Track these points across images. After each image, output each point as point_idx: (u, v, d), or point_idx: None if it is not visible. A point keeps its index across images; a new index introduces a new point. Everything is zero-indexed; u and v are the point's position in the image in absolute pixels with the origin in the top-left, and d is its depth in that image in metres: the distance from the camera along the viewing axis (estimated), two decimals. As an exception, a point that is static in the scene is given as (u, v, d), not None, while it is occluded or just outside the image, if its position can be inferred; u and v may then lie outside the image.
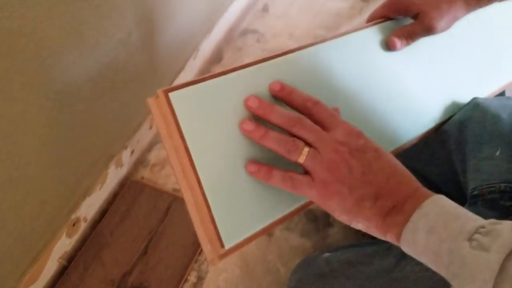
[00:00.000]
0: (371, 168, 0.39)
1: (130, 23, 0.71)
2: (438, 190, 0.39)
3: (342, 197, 0.38)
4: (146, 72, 0.83)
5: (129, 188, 0.89)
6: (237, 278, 0.82)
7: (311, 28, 1.27)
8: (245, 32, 1.25)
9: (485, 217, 0.36)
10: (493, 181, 0.51)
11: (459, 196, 0.56)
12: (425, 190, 0.39)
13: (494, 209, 0.48)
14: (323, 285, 0.65)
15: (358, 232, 0.86)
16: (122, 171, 0.88)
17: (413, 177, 0.40)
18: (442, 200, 0.37)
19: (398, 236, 0.37)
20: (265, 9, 1.31)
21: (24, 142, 0.57)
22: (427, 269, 0.44)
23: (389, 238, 0.38)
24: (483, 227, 0.33)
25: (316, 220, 0.89)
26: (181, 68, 0.97)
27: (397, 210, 0.38)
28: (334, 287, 0.62)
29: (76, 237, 0.80)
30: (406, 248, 0.37)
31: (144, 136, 0.92)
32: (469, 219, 0.35)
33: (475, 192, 0.51)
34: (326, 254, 0.70)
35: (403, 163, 0.41)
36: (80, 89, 0.64)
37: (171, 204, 0.88)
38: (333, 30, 1.25)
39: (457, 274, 0.33)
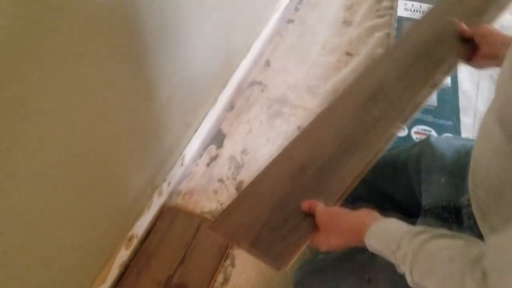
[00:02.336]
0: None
1: (170, 89, 0.98)
2: (401, 207, 0.65)
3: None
4: (177, 122, 1.10)
5: (167, 212, 1.15)
6: (253, 279, 1.07)
7: (305, 79, 1.54)
8: (251, 84, 1.53)
9: (432, 224, 0.62)
10: (438, 200, 0.74)
11: (418, 210, 0.79)
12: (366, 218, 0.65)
13: (438, 219, 0.73)
14: (318, 276, 0.89)
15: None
16: (162, 199, 1.14)
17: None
18: (377, 226, 0.62)
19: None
20: (267, 64, 1.60)
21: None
22: (387, 270, 0.70)
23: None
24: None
25: (313, 232, 1.14)
26: (204, 116, 1.25)
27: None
28: (327, 277, 0.86)
29: (131, 249, 1.05)
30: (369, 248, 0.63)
31: (177, 171, 1.18)
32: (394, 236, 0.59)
33: (426, 207, 0.75)
34: (321, 256, 0.95)
35: (376, 187, 0.66)
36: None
37: (201, 224, 1.13)
38: (323, 81, 1.53)
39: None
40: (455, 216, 0.70)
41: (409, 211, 0.86)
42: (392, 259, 0.59)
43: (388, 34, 1.64)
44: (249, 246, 0.78)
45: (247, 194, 0.88)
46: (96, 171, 0.80)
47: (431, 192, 0.77)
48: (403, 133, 1.35)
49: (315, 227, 0.74)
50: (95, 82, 0.70)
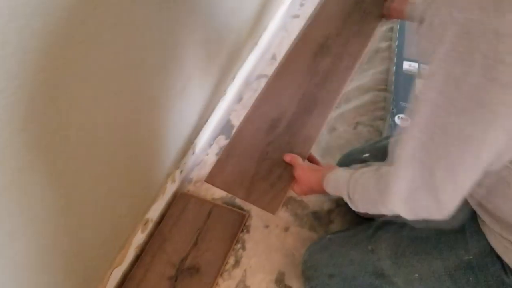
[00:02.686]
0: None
1: (184, 78, 1.03)
2: None
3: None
4: (189, 111, 1.15)
5: (179, 198, 1.20)
6: (263, 261, 1.11)
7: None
8: (259, 77, 1.57)
9: None
10: None
11: None
12: (326, 171, 0.84)
13: None
14: (325, 253, 0.94)
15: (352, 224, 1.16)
16: (175, 186, 1.19)
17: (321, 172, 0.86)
18: (330, 175, 0.81)
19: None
20: (273, 58, 1.65)
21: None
22: (390, 236, 0.76)
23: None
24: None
25: (320, 218, 1.19)
26: (214, 107, 1.30)
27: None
28: (333, 253, 0.91)
29: (146, 233, 1.10)
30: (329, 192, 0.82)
31: (188, 159, 1.23)
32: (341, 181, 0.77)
33: None
34: (329, 235, 1.00)
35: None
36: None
37: (212, 210, 1.18)
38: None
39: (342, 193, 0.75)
40: None
41: None
42: (344, 197, 0.76)
43: (392, 28, 1.69)
44: (246, 196, 0.97)
45: (232, 149, 1.05)
46: (119, 155, 0.84)
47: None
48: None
49: (293, 176, 0.95)
50: (132, 67, 0.75)
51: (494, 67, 0.43)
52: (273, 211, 0.93)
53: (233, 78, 1.39)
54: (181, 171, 1.20)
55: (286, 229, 1.17)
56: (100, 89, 0.71)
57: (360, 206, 0.73)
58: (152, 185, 1.07)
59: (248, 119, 1.10)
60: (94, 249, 0.89)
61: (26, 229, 0.66)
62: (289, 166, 0.98)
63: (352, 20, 1.25)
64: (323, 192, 0.85)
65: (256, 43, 1.49)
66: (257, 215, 1.20)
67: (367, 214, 0.90)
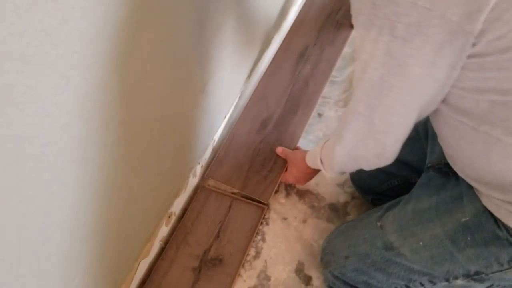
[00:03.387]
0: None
1: (207, 76, 1.07)
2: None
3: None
4: (211, 107, 1.19)
5: (200, 192, 1.24)
6: (283, 252, 1.15)
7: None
8: (272, 74, 1.61)
9: (434, 177, 0.76)
10: (441, 157, 0.87)
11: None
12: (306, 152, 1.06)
13: (440, 173, 0.85)
14: (340, 237, 0.99)
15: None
16: (196, 180, 1.23)
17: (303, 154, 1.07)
18: (308, 153, 1.04)
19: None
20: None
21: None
22: (397, 212, 0.82)
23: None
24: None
25: (337, 210, 1.23)
26: (232, 103, 1.33)
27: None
28: (348, 233, 0.96)
29: (170, 226, 1.14)
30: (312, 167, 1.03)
31: (208, 154, 1.26)
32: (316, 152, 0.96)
33: (429, 165, 0.89)
34: (345, 224, 1.04)
35: (399, 160, 0.80)
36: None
37: (232, 203, 1.21)
38: (340, 71, 1.61)
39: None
40: (454, 170, 0.81)
41: (421, 171, 0.96)
42: (319, 166, 0.94)
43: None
44: (242, 187, 1.18)
45: (229, 147, 1.25)
46: (151, 150, 0.88)
47: (435, 152, 0.89)
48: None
49: (283, 167, 1.18)
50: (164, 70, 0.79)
51: (396, 26, 0.56)
52: (266, 199, 1.16)
53: (249, 75, 1.42)
54: (201, 166, 1.24)
55: (304, 221, 1.21)
56: (137, 88, 0.75)
57: (328, 169, 0.91)
58: (176, 179, 1.11)
59: (241, 120, 1.30)
60: (126, 240, 0.92)
61: (72, 221, 0.70)
62: (279, 160, 1.20)
63: (326, 31, 1.46)
64: (310, 170, 1.05)
65: (270, 42, 1.53)
66: (275, 208, 1.24)
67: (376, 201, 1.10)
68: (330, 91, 1.54)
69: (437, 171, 0.85)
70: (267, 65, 1.39)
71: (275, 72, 1.38)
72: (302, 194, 1.26)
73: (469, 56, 0.57)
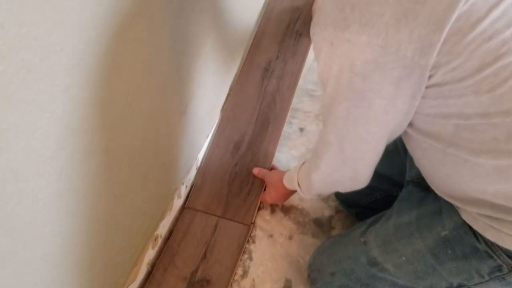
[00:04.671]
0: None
1: (188, 97, 1.07)
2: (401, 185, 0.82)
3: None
4: (193, 128, 1.19)
5: (186, 213, 1.23)
6: (270, 269, 1.16)
7: (303, 84, 1.64)
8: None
9: (414, 192, 0.78)
10: (419, 173, 0.88)
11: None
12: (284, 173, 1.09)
13: (419, 187, 0.88)
14: (326, 253, 1.00)
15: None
16: (180, 201, 1.23)
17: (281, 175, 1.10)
18: (285, 175, 1.07)
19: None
20: (266, 71, 1.70)
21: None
22: (379, 227, 0.84)
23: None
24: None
25: (322, 225, 1.24)
26: (213, 124, 1.34)
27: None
28: (333, 249, 0.98)
29: (156, 248, 1.13)
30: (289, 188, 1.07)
31: (192, 174, 1.26)
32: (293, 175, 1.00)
33: (409, 179, 0.92)
34: (330, 239, 1.05)
35: (380, 174, 0.85)
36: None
37: (218, 223, 1.21)
38: (319, 85, 1.63)
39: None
40: None
41: (402, 185, 0.98)
42: (297, 188, 0.97)
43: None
44: (223, 213, 1.18)
45: (205, 174, 1.25)
46: (135, 175, 0.88)
47: (414, 166, 0.92)
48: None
49: (261, 188, 1.20)
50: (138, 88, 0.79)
51: (354, 63, 0.58)
52: (248, 222, 1.16)
53: (229, 93, 1.43)
54: (186, 186, 1.24)
55: (290, 238, 1.22)
56: (119, 115, 0.75)
57: (306, 192, 0.95)
58: (161, 201, 1.10)
59: (214, 144, 1.29)
60: (112, 266, 0.92)
61: (56, 252, 0.69)
62: (256, 181, 1.21)
63: (287, 43, 1.44)
64: (288, 191, 1.09)
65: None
66: (261, 225, 1.24)
67: (363, 215, 1.09)
68: (311, 105, 1.56)
69: (416, 185, 0.88)
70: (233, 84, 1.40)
71: (241, 90, 1.38)
72: (287, 210, 1.27)
73: (428, 86, 0.60)
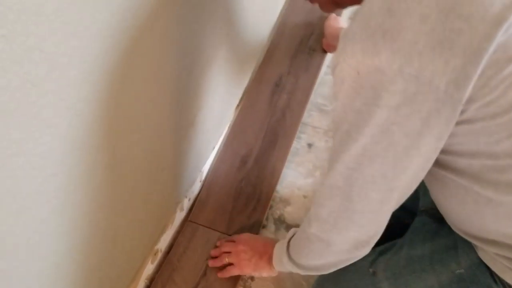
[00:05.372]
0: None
1: (196, 108, 1.04)
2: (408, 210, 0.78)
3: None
4: (199, 139, 1.16)
5: (187, 226, 1.20)
6: (272, 291, 1.12)
7: (313, 98, 1.61)
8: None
9: (428, 223, 0.72)
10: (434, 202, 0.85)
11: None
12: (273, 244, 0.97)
13: (433, 218, 0.84)
14: (332, 281, 0.96)
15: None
16: (182, 214, 1.19)
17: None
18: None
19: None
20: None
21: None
22: (389, 258, 0.80)
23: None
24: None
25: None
26: (220, 135, 1.31)
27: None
28: (339, 277, 0.93)
29: (156, 263, 1.10)
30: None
31: (196, 187, 1.23)
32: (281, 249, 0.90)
33: (422, 208, 0.87)
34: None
35: None
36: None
37: (219, 238, 1.18)
38: (330, 99, 1.60)
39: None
40: None
41: (415, 213, 0.94)
42: (289, 267, 0.88)
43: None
44: (226, 230, 1.14)
45: (210, 188, 1.21)
46: (137, 189, 0.85)
47: (428, 195, 0.88)
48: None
49: (267, 205, 1.17)
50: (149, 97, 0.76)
51: (381, 95, 0.53)
52: None
53: (239, 104, 1.40)
54: (189, 199, 1.20)
55: (294, 258, 1.18)
56: (125, 129, 0.72)
57: (302, 261, 0.84)
58: (163, 214, 1.07)
59: (220, 158, 1.26)
60: (110, 283, 0.88)
61: (51, 270, 0.66)
62: (262, 198, 1.18)
63: (299, 58, 1.42)
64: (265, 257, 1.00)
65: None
66: (264, 243, 1.20)
67: None
68: (320, 121, 1.53)
69: (430, 216, 0.84)
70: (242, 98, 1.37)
71: (251, 104, 1.35)
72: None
73: (458, 123, 0.56)
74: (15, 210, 0.53)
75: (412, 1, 0.50)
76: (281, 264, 0.91)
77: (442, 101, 0.52)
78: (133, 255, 0.97)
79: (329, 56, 1.50)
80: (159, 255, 1.10)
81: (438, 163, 0.65)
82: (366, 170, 0.61)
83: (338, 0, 0.75)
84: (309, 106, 1.57)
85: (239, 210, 1.18)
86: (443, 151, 0.60)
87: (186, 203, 1.19)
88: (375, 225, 0.70)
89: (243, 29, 1.21)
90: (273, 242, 0.98)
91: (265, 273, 1.02)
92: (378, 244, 0.93)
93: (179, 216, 1.17)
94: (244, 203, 1.18)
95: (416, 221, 0.87)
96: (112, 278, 0.89)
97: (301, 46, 1.44)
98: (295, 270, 0.87)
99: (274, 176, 1.21)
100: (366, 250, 0.73)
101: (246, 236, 1.08)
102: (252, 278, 1.14)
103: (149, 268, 1.06)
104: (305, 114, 1.55)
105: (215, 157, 1.27)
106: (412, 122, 0.54)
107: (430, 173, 0.69)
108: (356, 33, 0.54)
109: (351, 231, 0.70)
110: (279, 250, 0.92)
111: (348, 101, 0.58)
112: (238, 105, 1.39)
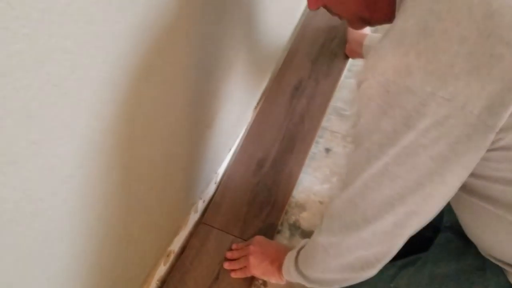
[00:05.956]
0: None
1: (214, 110, 1.03)
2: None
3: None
4: (217, 141, 1.14)
5: (201, 228, 1.18)
6: (285, 298, 1.10)
7: (332, 101, 1.59)
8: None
9: (452, 239, 0.69)
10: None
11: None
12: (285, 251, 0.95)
13: (458, 234, 0.80)
14: None
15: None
16: (196, 216, 1.18)
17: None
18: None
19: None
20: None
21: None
22: (412, 274, 0.77)
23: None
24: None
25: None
26: (237, 137, 1.29)
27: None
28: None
29: (168, 264, 1.08)
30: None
31: (211, 189, 1.22)
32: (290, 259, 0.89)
33: (447, 224, 0.84)
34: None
35: None
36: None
37: (233, 242, 1.16)
38: (350, 104, 1.57)
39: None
40: None
41: (438, 227, 0.91)
42: (296, 279, 0.87)
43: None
44: (240, 234, 1.12)
45: (225, 191, 1.19)
46: (153, 190, 0.84)
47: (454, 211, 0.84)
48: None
49: (282, 210, 1.15)
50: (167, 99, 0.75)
51: (411, 115, 0.51)
52: None
53: (256, 106, 1.39)
54: (203, 201, 1.19)
55: (308, 265, 1.16)
56: (143, 131, 0.71)
57: (307, 272, 0.83)
58: (177, 216, 1.06)
59: (236, 161, 1.23)
60: (121, 284, 0.87)
61: (64, 272, 0.65)
62: (277, 203, 1.15)
63: (321, 62, 1.38)
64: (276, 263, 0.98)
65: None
66: (278, 248, 1.18)
67: None
68: (339, 125, 1.50)
69: (455, 232, 0.81)
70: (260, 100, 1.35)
71: (269, 107, 1.32)
72: (307, 235, 1.22)
73: (495, 149, 0.53)
74: (31, 213, 0.52)
75: (450, 21, 0.48)
76: (289, 273, 0.89)
77: (474, 127, 0.49)
78: (146, 256, 0.96)
79: (350, 62, 1.47)
80: (172, 257, 1.09)
81: (468, 189, 0.61)
82: (385, 191, 0.59)
83: (367, 18, 0.73)
84: (328, 109, 1.55)
85: (253, 214, 1.15)
86: (475, 175, 0.57)
87: (201, 205, 1.18)
88: (386, 246, 0.66)
89: (264, 31, 1.19)
90: (286, 250, 0.96)
91: (273, 280, 1.01)
92: (397, 257, 0.91)
93: (193, 218, 1.16)
94: (259, 207, 1.16)
95: (441, 237, 0.84)
96: (124, 279, 0.88)
97: (323, 50, 1.42)
98: (301, 281, 0.85)
99: (290, 181, 1.19)
100: (373, 272, 0.70)
101: (260, 238, 1.06)
102: (265, 284, 1.12)
103: (161, 269, 1.05)
104: (324, 118, 1.53)
105: (231, 159, 1.25)
106: (440, 146, 0.52)
107: (458, 200, 0.66)
108: (388, 51, 0.52)
109: (360, 249, 0.68)
110: (289, 258, 0.91)
111: (374, 120, 0.55)
112: (256, 107, 1.37)
